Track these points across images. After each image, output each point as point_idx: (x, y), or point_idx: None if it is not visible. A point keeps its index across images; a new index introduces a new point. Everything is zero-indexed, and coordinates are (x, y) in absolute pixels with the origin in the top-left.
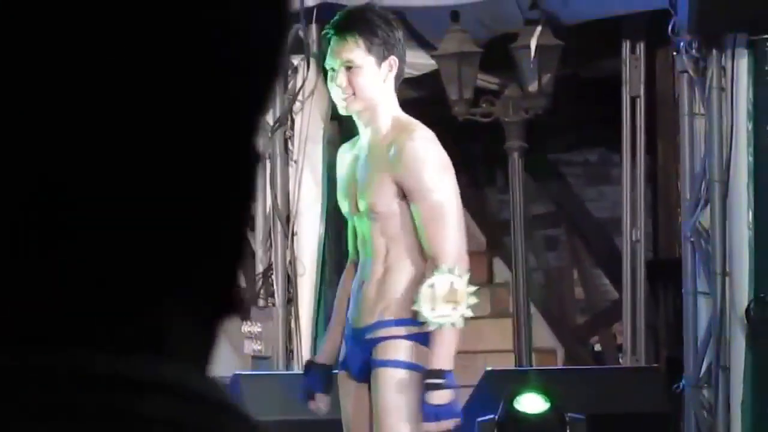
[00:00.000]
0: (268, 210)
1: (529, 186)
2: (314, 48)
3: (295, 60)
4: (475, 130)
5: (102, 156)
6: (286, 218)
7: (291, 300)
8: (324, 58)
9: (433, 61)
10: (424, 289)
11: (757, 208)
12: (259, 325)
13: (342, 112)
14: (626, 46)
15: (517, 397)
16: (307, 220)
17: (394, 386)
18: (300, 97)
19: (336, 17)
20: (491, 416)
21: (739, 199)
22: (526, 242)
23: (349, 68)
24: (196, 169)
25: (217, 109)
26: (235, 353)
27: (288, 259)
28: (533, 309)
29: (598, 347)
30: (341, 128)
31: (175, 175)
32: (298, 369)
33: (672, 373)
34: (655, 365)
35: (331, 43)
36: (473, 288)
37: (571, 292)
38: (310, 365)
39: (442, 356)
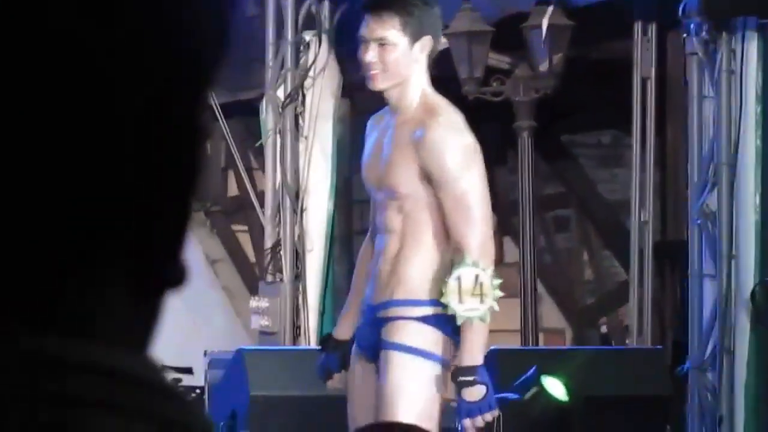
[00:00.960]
0: (277, 185)
1: (539, 166)
2: (326, 25)
3: (307, 36)
4: (485, 110)
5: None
6: (296, 194)
7: (299, 276)
8: (335, 33)
9: (444, 40)
10: (451, 282)
11: (764, 192)
12: (266, 300)
13: (369, 86)
14: (638, 27)
15: (542, 378)
16: (316, 196)
17: (399, 373)
18: (311, 74)
19: None
20: (513, 395)
21: (746, 183)
22: (536, 223)
23: (382, 45)
24: (112, 142)
25: (135, 79)
26: (244, 329)
27: (297, 234)
28: (542, 289)
29: (604, 329)
30: (352, 105)
31: (88, 150)
32: (305, 344)
33: (677, 355)
34: (660, 347)
35: (366, 16)
36: (498, 281)
37: (580, 274)
38: (327, 341)
39: (474, 352)
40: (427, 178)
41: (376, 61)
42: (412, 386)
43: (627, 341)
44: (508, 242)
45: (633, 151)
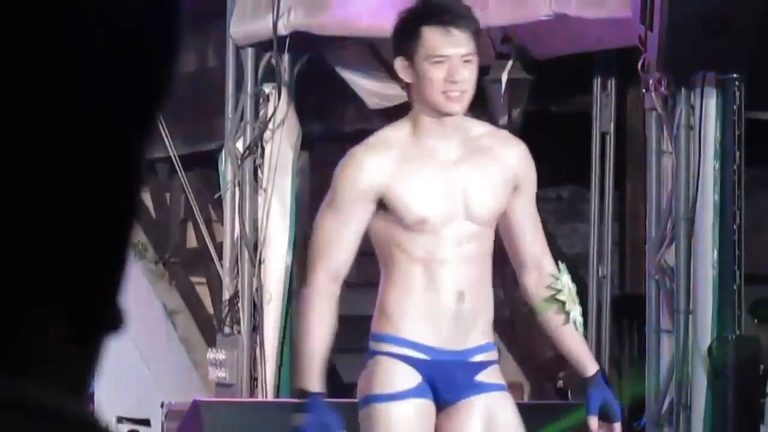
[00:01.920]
0: (236, 237)
1: None
2: (286, 77)
3: (267, 88)
4: None
5: None
6: (254, 246)
7: (256, 328)
8: (295, 86)
9: (403, 92)
10: (567, 289)
11: (722, 247)
12: (224, 352)
13: (447, 110)
14: (597, 82)
15: None
16: (274, 248)
17: (513, 411)
18: (271, 126)
19: (437, 6)
20: None
21: (704, 238)
22: (496, 277)
23: (466, 62)
24: (47, 182)
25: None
26: (202, 380)
27: (255, 286)
28: (500, 343)
29: (561, 383)
30: (312, 158)
31: (23, 189)
32: (262, 397)
33: (634, 410)
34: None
35: (440, 30)
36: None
37: (538, 327)
38: (314, 397)
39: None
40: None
41: (464, 80)
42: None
43: None
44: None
45: (592, 205)
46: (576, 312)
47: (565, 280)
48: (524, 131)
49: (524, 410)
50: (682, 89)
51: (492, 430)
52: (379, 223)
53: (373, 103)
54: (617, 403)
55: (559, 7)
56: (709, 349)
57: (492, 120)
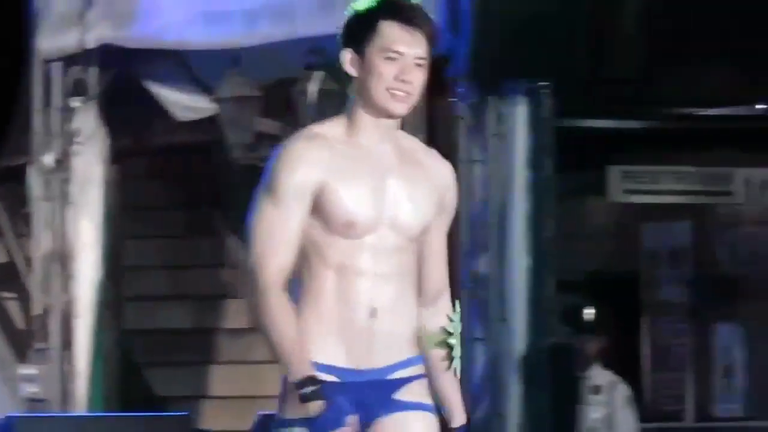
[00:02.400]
0: (45, 252)
1: None
2: (94, 91)
3: (75, 102)
4: (255, 175)
5: None
6: (64, 261)
7: (68, 342)
8: (103, 99)
9: (213, 105)
10: (455, 326)
11: (535, 255)
12: (35, 367)
13: (391, 110)
14: None
15: None
16: (84, 262)
17: (433, 430)
18: (79, 140)
19: (399, 3)
20: None
21: (516, 246)
22: None
23: (418, 65)
24: None
25: None
26: (12, 397)
27: (65, 301)
28: None
29: None
30: (121, 171)
31: None
32: (75, 411)
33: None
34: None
35: (397, 27)
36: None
37: None
38: (323, 382)
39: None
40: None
41: (413, 82)
42: None
43: None
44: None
45: None
46: (458, 357)
47: (457, 324)
48: None
49: None
50: (491, 97)
51: None
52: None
53: (181, 115)
54: None
55: None
56: (523, 356)
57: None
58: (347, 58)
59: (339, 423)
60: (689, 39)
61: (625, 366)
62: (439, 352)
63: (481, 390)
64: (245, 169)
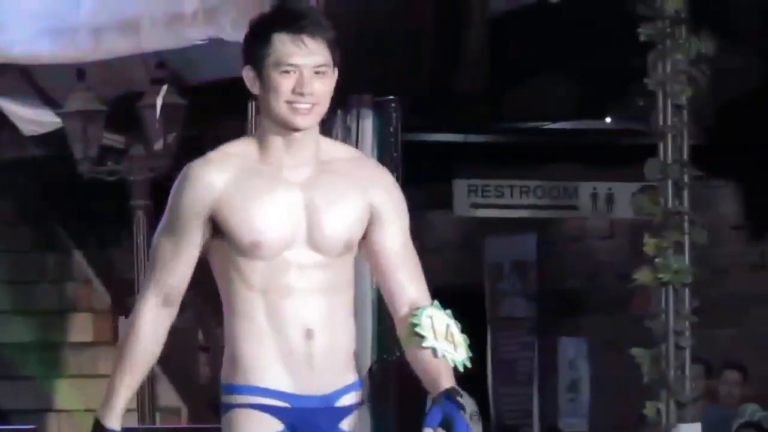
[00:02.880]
0: None
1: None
2: None
3: None
4: (100, 189)
5: None
6: None
7: None
8: None
9: (58, 119)
10: (424, 319)
11: None
12: None
13: (293, 123)
14: (252, 106)
15: None
16: None
17: None
18: None
19: (290, 12)
20: None
21: (363, 260)
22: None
23: (317, 73)
24: None
25: None
26: None
27: None
28: (158, 369)
29: None
30: None
31: None
32: None
33: None
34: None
35: (291, 38)
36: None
37: (195, 353)
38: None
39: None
40: (371, 225)
41: (314, 93)
42: None
43: None
44: (123, 322)
45: None
46: (441, 346)
47: (427, 316)
48: (180, 156)
49: None
50: (338, 111)
51: None
52: (216, 246)
53: (28, 129)
54: (464, 422)
55: (214, 31)
56: (369, 371)
57: (147, 145)
58: (248, 77)
59: None
60: (534, 54)
61: (471, 380)
62: (416, 347)
63: None
64: (91, 182)
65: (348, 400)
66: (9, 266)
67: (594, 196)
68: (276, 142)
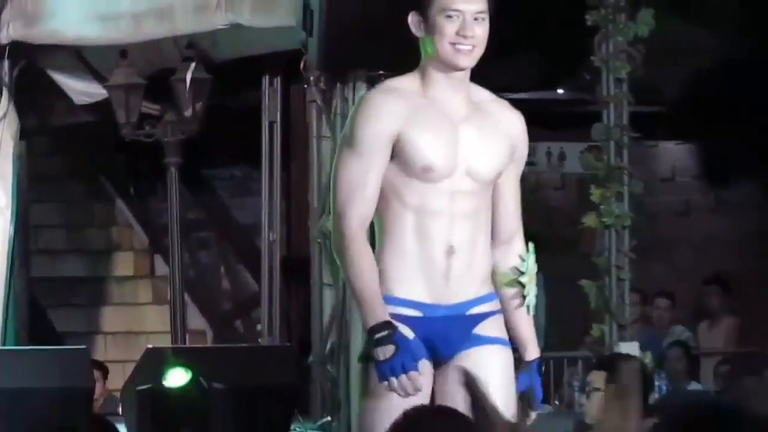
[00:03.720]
0: None
1: (185, 196)
2: (6, 79)
3: None
4: (139, 149)
5: None
6: None
7: None
8: (15, 87)
9: (104, 91)
10: (530, 273)
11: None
12: None
13: (456, 62)
14: (265, 80)
15: (168, 372)
16: None
17: (509, 364)
18: None
19: None
20: (149, 385)
21: None
22: (182, 243)
23: (477, 19)
24: None
25: None
26: None
27: None
28: (187, 298)
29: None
30: (29, 147)
31: None
32: None
33: (302, 352)
34: (288, 344)
35: None
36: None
37: (219, 284)
38: (397, 329)
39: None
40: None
41: (475, 36)
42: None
43: (260, 340)
44: (158, 259)
45: (262, 183)
46: (532, 295)
47: (531, 264)
48: (205, 122)
49: (206, 352)
50: (337, 84)
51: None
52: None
53: (79, 99)
54: (541, 392)
55: (234, 17)
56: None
57: (179, 112)
58: (413, 21)
59: (410, 366)
60: (500, 36)
61: None
62: (511, 290)
63: (329, 327)
64: (132, 143)
65: (480, 309)
66: (63, 214)
67: (548, 154)
68: (438, 80)
